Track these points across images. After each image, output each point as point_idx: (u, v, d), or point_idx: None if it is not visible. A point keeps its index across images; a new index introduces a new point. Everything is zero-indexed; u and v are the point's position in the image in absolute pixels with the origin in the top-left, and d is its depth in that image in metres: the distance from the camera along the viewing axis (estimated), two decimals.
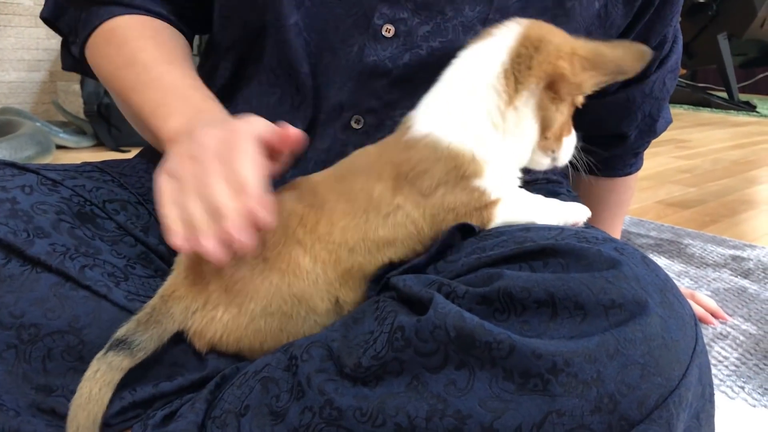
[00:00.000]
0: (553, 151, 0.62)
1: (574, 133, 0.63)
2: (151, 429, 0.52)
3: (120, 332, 0.52)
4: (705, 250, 1.41)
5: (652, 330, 0.42)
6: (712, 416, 0.48)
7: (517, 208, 0.58)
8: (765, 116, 4.05)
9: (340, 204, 0.57)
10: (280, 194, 0.58)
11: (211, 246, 0.48)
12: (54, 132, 2.08)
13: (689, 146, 2.87)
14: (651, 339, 0.42)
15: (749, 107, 4.20)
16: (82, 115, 2.19)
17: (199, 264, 0.55)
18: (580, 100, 0.61)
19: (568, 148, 0.63)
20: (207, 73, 0.78)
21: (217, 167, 0.50)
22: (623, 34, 0.74)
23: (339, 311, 0.57)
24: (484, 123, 0.58)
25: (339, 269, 0.56)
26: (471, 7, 0.66)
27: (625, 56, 0.57)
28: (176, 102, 0.62)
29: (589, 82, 0.57)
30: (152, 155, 0.76)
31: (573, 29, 0.68)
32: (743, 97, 4.48)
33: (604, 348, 0.42)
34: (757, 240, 1.53)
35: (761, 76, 5.02)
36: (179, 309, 0.54)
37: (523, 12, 0.67)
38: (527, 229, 0.54)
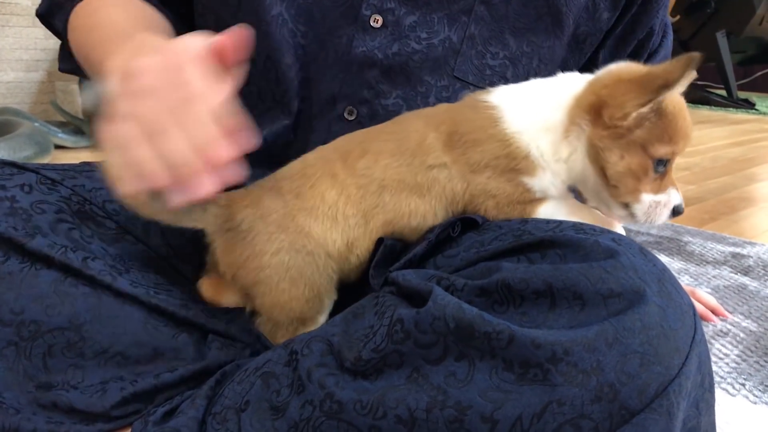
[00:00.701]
0: (626, 205, 0.57)
1: (668, 194, 0.57)
2: (152, 425, 0.52)
3: None
4: (705, 247, 1.41)
5: (650, 319, 0.43)
6: (712, 406, 0.48)
7: (560, 213, 0.57)
8: (764, 114, 4.05)
9: (389, 144, 0.59)
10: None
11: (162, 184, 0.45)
12: (52, 132, 2.07)
13: (688, 144, 2.86)
14: (650, 328, 0.42)
15: (748, 105, 4.20)
16: (80, 115, 2.18)
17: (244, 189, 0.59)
18: (659, 151, 0.55)
19: (649, 206, 0.57)
20: None
21: (165, 112, 0.45)
22: (612, 28, 0.75)
23: (347, 257, 0.58)
24: (546, 136, 0.57)
25: (361, 206, 0.57)
26: None
27: (671, 67, 0.53)
28: (125, 43, 0.58)
29: (632, 103, 0.53)
30: None
31: (559, 21, 0.68)
32: (742, 94, 4.48)
33: (603, 337, 0.42)
34: (757, 237, 1.53)
35: (760, 73, 5.02)
36: (214, 212, 0.57)
37: (507, 4, 0.67)
38: (525, 221, 0.54)
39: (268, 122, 0.70)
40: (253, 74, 0.70)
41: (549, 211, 0.57)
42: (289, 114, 0.68)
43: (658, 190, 0.57)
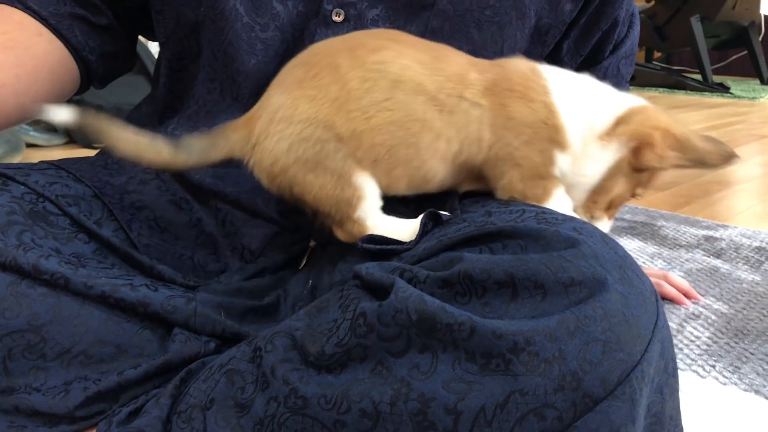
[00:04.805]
0: (592, 217, 0.63)
1: (611, 222, 0.64)
2: (116, 426, 0.51)
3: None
4: (678, 231, 1.42)
5: (612, 306, 0.42)
6: (676, 390, 0.48)
7: (565, 202, 0.59)
8: (738, 97, 4.09)
9: (421, 54, 0.56)
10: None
11: None
12: (23, 130, 2.04)
13: None
14: (611, 315, 0.42)
15: (723, 89, 4.24)
16: None
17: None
18: (640, 191, 0.61)
19: (604, 228, 0.62)
20: (155, 71, 0.77)
21: None
22: (575, 19, 0.74)
23: (356, 146, 0.56)
24: (583, 128, 0.58)
25: (363, 101, 0.55)
26: None
27: (712, 152, 0.57)
28: None
29: (670, 162, 0.57)
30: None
31: (521, 13, 0.68)
32: (717, 78, 4.52)
33: (565, 326, 0.41)
34: (731, 220, 1.54)
35: (734, 57, 5.07)
36: (235, 138, 0.57)
37: None
38: (489, 213, 0.54)
39: (229, 118, 0.69)
40: (216, 70, 0.69)
41: (562, 193, 0.59)
42: (245, 110, 0.67)
43: (611, 216, 0.64)
